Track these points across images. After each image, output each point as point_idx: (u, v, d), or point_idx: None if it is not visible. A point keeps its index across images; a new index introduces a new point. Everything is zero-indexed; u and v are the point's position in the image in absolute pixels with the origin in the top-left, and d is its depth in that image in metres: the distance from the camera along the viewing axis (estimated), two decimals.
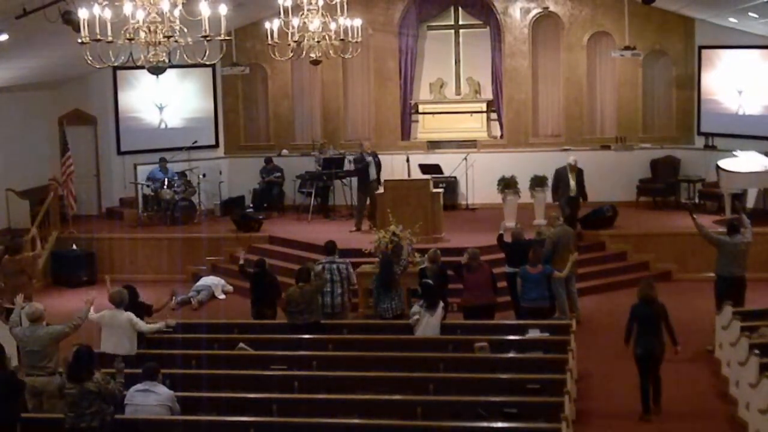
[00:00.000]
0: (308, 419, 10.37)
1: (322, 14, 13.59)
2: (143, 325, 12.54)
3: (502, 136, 23.34)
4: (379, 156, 20.73)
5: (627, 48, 21.32)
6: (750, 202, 20.20)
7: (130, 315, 12.45)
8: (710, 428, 11.64)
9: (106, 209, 22.95)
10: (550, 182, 19.39)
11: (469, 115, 23.46)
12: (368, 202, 20.13)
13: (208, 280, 18.84)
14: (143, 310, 13.26)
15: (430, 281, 13.84)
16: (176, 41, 9.86)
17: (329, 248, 15.31)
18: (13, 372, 10.64)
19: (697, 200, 21.21)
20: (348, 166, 21.70)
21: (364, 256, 16.43)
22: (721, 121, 21.54)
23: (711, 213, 19.95)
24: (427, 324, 13.07)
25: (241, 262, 15.65)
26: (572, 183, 18.71)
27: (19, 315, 11.70)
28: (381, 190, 19.04)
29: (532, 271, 14.32)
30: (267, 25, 13.23)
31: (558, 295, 15.27)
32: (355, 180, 22.01)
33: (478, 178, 22.14)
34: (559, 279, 15.16)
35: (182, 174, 21.96)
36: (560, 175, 18.95)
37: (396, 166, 21.81)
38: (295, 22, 13.35)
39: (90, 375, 9.77)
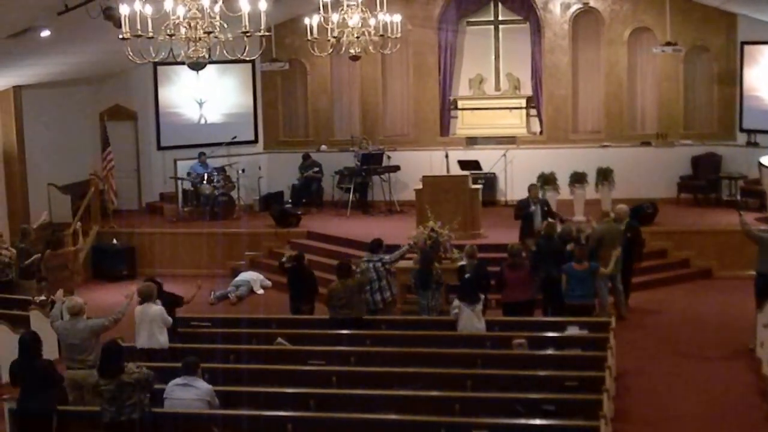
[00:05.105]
0: (346, 414, 10.38)
1: (362, 10, 13.60)
2: (169, 319, 12.62)
3: (541, 132, 23.24)
4: (546, 204, 17.55)
5: (668, 44, 21.17)
6: None
7: (161, 309, 12.52)
8: (750, 427, 11.52)
9: (146, 204, 23.11)
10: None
11: (508, 111, 23.35)
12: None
13: (247, 276, 18.90)
14: (173, 302, 13.33)
15: (468, 276, 13.83)
16: (216, 37, 9.90)
17: (373, 246, 15.32)
18: (49, 362, 10.75)
19: (738, 197, 21.00)
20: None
21: None
22: (764, 117, 21.31)
23: (753, 210, 19.75)
24: (469, 318, 13.04)
25: (283, 259, 15.69)
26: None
27: (60, 309, 11.81)
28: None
29: (578, 268, 14.24)
30: (306, 20, 13.27)
31: (600, 292, 15.21)
32: (392, 175, 22.13)
33: (517, 174, 22.06)
34: (604, 276, 15.06)
35: (222, 169, 22.06)
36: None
37: (435, 162, 21.77)
38: (335, 17, 13.39)
39: (122, 368, 9.87)
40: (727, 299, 16.83)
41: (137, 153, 23.12)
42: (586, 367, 11.48)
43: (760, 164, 19.68)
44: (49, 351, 12.90)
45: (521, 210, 17.29)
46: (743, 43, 21.74)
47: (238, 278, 18.89)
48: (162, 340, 12.46)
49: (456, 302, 13.31)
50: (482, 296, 13.38)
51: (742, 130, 21.91)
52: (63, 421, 10.37)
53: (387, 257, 15.08)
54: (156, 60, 10.29)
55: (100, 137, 21.53)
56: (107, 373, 9.88)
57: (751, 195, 20.60)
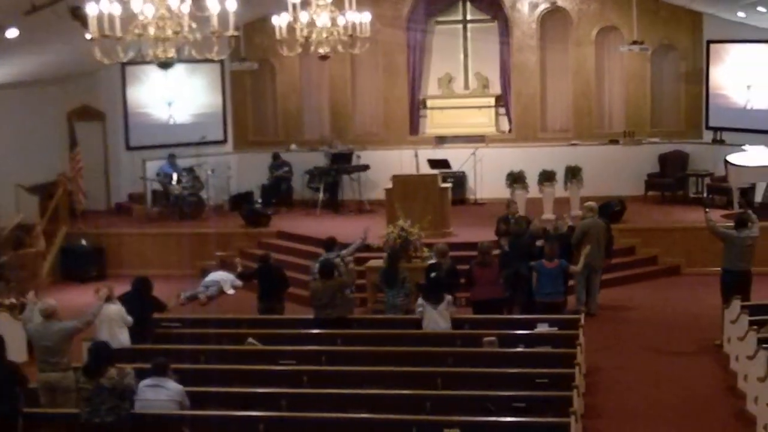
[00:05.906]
0: (317, 414, 10.39)
1: (331, 9, 13.59)
2: (129, 318, 12.59)
3: (510, 131, 23.33)
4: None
5: (635, 43, 21.29)
6: (758, 196, 20.17)
7: (119, 307, 12.50)
8: (718, 423, 11.62)
9: (115, 204, 22.99)
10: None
11: (477, 109, 23.45)
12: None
13: (217, 276, 18.76)
14: (155, 306, 13.30)
15: (435, 275, 13.86)
16: (185, 37, 9.87)
17: (328, 244, 15.47)
18: (12, 363, 10.64)
19: (705, 194, 21.17)
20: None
21: (373, 251, 16.48)
22: (730, 115, 21.51)
23: (719, 207, 19.92)
24: (431, 317, 13.06)
25: (239, 269, 15.74)
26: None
27: (31, 311, 11.72)
28: None
29: (549, 266, 14.32)
30: (275, 20, 13.23)
31: (577, 289, 15.34)
32: (362, 174, 22.16)
33: (486, 172, 22.16)
34: (576, 272, 15.15)
35: (191, 169, 21.99)
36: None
37: (404, 161, 21.80)
38: (304, 17, 13.36)
39: (104, 371, 9.81)
40: (695, 296, 16.97)
41: (105, 153, 23.00)
42: (556, 364, 11.53)
43: (727, 161, 19.84)
44: (18, 353, 12.86)
45: (514, 224, 16.62)
46: (709, 42, 21.90)
47: (207, 278, 18.75)
48: (122, 339, 12.41)
49: (420, 301, 13.34)
50: (448, 296, 13.35)
51: (708, 127, 22.07)
52: (33, 424, 10.30)
53: (344, 252, 15.17)
54: (124, 60, 10.24)
55: (68, 137, 21.41)
56: (88, 372, 9.84)
57: (717, 192, 20.80)
